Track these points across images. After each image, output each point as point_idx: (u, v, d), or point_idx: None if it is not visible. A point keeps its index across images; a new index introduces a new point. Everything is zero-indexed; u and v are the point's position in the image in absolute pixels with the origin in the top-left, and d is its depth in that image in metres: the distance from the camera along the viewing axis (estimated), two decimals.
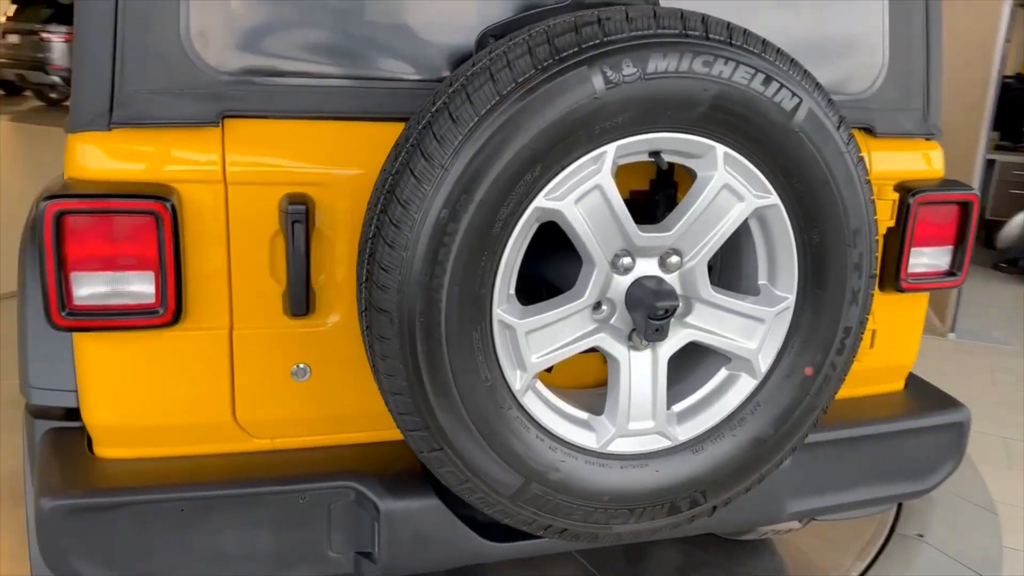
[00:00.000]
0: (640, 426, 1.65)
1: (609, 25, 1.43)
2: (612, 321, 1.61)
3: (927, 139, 2.13)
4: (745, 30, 1.51)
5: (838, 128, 1.58)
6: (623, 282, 1.59)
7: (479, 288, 1.47)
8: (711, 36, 1.47)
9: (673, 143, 1.52)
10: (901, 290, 2.11)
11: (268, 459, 1.78)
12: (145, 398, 1.71)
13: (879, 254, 2.03)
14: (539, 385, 1.61)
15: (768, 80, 1.50)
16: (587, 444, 1.62)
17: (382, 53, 1.72)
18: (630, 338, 1.62)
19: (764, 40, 1.53)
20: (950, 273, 2.16)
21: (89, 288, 1.60)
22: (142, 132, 1.61)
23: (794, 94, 1.52)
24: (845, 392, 2.21)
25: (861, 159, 1.63)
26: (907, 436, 2.18)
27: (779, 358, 1.70)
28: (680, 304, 1.58)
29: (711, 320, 1.66)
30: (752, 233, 1.66)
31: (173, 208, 1.57)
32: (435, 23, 1.73)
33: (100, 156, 1.60)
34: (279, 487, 1.70)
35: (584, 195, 1.49)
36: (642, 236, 1.56)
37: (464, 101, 1.40)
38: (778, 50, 1.54)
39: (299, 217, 1.61)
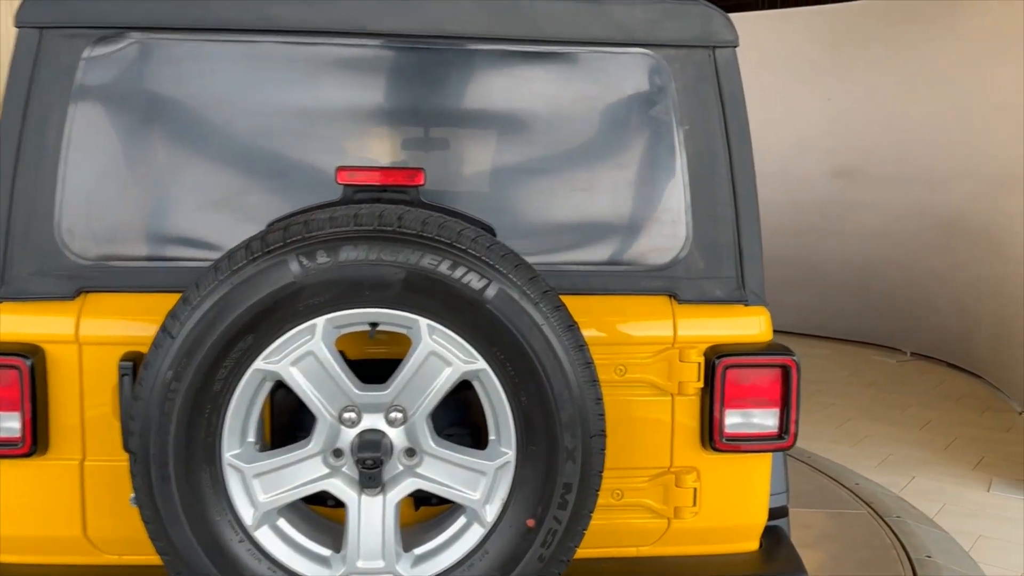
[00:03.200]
0: (370, 566, 1.86)
1: (313, 224, 1.76)
2: (344, 468, 1.86)
3: (746, 305, 2.24)
4: (442, 223, 1.79)
5: (537, 304, 1.79)
6: (350, 434, 1.84)
7: (206, 435, 1.78)
8: (402, 230, 1.76)
9: (382, 317, 1.80)
10: (717, 450, 2.19)
11: (110, 572, 2.13)
12: (23, 513, 2.13)
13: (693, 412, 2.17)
14: (281, 521, 1.88)
15: (455, 265, 1.76)
16: None
17: (197, 243, 2.14)
18: (363, 484, 1.85)
19: (461, 231, 1.79)
20: (779, 436, 2.21)
21: None
22: (22, 304, 2.09)
23: (482, 276, 1.76)
24: (687, 549, 2.30)
25: (570, 328, 1.82)
26: None
27: (504, 509, 1.86)
28: (384, 457, 1.81)
29: (439, 471, 1.87)
30: (479, 393, 1.87)
31: (32, 364, 2.01)
32: (235, 218, 2.13)
33: None
34: None
35: (300, 359, 1.79)
36: (360, 395, 1.82)
37: (193, 285, 1.77)
38: (474, 239, 1.79)
39: (127, 371, 2.00)
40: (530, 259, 2.16)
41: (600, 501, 2.20)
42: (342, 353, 1.88)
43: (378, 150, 2.22)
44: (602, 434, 1.86)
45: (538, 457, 1.84)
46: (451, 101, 2.26)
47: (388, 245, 1.74)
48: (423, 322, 1.80)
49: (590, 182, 2.26)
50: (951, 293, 8.15)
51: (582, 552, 2.22)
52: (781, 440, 2.21)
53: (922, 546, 4.33)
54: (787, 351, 2.20)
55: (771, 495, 2.43)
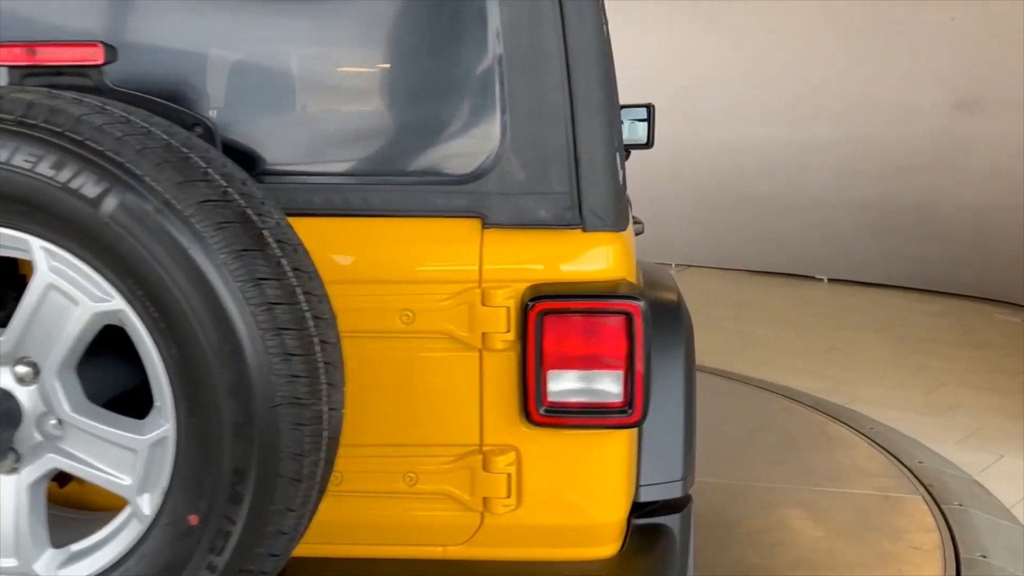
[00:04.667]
0: (3, 564, 1.42)
1: None
2: None
3: (584, 231, 1.65)
4: (55, 106, 1.29)
5: (186, 219, 1.28)
6: None
7: None
8: None
9: None
10: (535, 423, 1.63)
11: None
12: None
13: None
14: None
15: (61, 163, 1.26)
16: None
17: None
18: None
19: (82, 116, 1.29)
20: (622, 409, 1.62)
21: None
22: None
23: (100, 180, 1.26)
24: (511, 552, 1.77)
25: (242, 255, 1.30)
26: None
27: (164, 501, 1.37)
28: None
29: (83, 446, 1.39)
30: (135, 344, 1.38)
31: None
32: None
33: None
34: None
35: None
36: None
37: None
38: (100, 127, 1.29)
39: None
40: (287, 168, 1.65)
41: (389, 487, 1.71)
42: None
43: (87, 24, 1.71)
44: (299, 403, 1.34)
45: (198, 433, 1.34)
46: None
47: None
48: (36, 244, 1.32)
49: (366, 66, 1.70)
50: None
51: (370, 551, 1.74)
52: (623, 414, 1.62)
53: (978, 543, 3.53)
54: (632, 294, 1.59)
55: (657, 484, 1.86)
